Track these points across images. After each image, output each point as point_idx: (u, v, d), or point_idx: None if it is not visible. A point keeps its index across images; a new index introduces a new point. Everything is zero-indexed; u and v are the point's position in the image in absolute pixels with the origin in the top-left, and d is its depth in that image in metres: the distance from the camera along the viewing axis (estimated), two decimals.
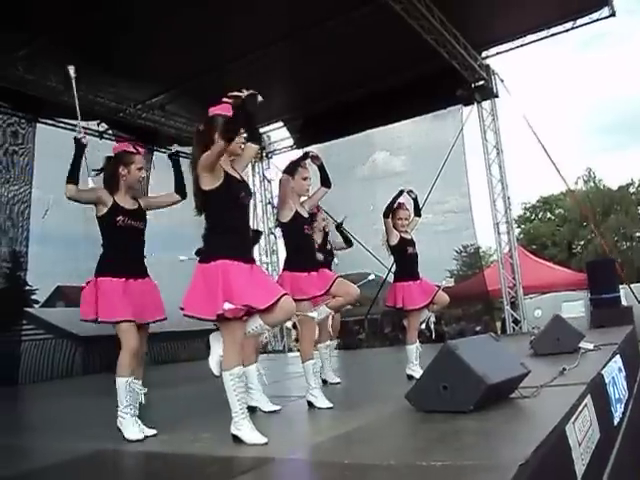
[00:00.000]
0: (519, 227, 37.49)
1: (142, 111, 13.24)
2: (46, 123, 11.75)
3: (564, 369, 5.10)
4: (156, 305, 4.55)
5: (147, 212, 4.73)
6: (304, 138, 15.51)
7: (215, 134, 3.75)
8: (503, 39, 12.66)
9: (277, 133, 16.69)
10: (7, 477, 3.50)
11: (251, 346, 5.29)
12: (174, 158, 4.93)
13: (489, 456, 2.81)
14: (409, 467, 2.77)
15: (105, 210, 4.43)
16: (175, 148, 5.09)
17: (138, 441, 4.10)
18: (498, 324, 14.59)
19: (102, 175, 4.58)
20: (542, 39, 12.58)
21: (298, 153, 15.23)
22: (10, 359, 10.59)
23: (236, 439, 3.60)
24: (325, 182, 5.50)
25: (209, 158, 3.65)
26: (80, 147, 4.42)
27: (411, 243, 6.64)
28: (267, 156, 16.74)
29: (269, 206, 16.47)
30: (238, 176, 3.88)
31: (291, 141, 16.32)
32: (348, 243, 7.80)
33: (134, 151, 4.60)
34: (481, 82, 12.82)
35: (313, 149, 14.76)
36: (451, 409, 3.79)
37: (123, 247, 4.43)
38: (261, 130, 16.22)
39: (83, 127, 4.67)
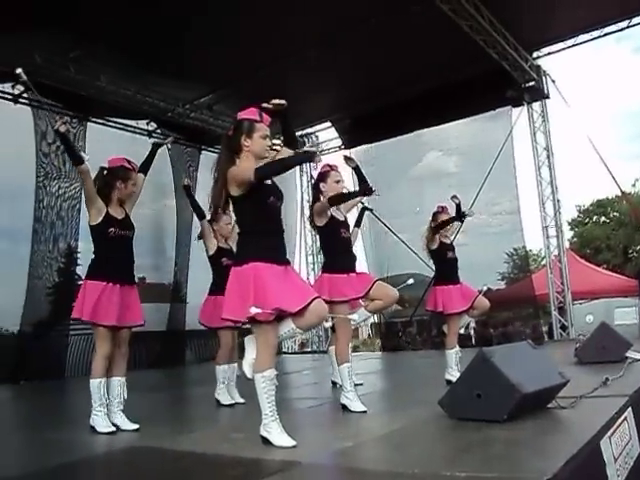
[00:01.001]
0: (572, 230, 36.72)
1: (190, 111, 13.38)
2: (96, 122, 11.98)
3: (607, 379, 4.97)
4: (137, 311, 4.85)
5: None
6: (353, 138, 15.48)
7: (242, 138, 3.79)
8: (555, 39, 12.39)
9: (325, 133, 16.69)
10: (48, 469, 3.56)
11: (234, 347, 6.08)
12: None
13: (515, 468, 2.74)
14: (433, 477, 2.72)
15: (99, 220, 4.68)
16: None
17: (110, 433, 4.47)
18: (545, 329, 14.31)
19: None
20: (595, 39, 12.28)
21: (346, 153, 15.36)
22: (58, 352, 10.83)
23: (265, 441, 3.59)
24: (362, 184, 5.46)
25: (239, 177, 3.67)
26: (60, 135, 4.63)
27: (451, 247, 6.56)
28: None
29: None
30: (269, 181, 3.86)
31: (339, 141, 16.26)
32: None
33: (130, 168, 4.88)
34: (531, 83, 12.59)
35: (362, 149, 14.97)
36: (484, 417, 3.71)
37: (113, 255, 4.69)
38: (309, 130, 16.27)
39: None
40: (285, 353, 14.94)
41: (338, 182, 5.23)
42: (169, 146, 5.70)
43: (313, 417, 5.12)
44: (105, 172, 4.88)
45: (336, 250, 5.20)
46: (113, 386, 4.69)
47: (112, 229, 4.68)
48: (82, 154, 4.69)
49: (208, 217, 6.20)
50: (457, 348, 6.35)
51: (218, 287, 6.05)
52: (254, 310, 3.46)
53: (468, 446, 3.24)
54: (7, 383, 9.74)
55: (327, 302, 4.55)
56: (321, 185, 5.22)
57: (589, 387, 4.65)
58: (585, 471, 2.80)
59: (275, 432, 3.59)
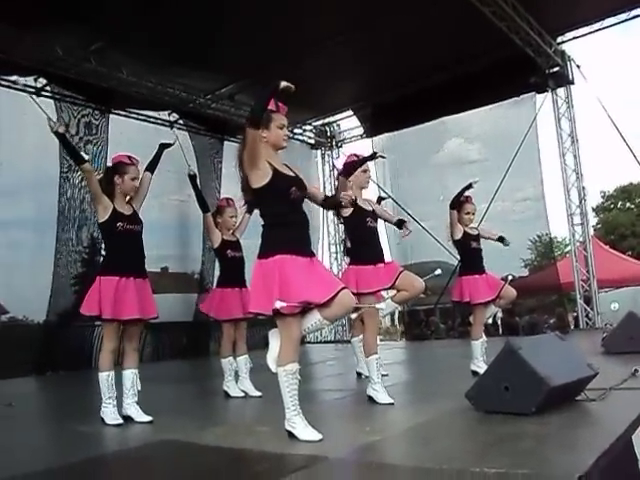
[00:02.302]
0: (597, 216, 36.32)
1: (212, 101, 13.35)
2: (118, 114, 12.02)
3: (636, 370, 4.91)
4: (151, 304, 4.93)
5: None
6: (374, 127, 15.38)
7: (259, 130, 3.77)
8: (580, 23, 12.11)
9: (347, 122, 16.57)
10: (75, 463, 3.58)
11: (242, 338, 6.07)
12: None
13: (546, 465, 2.70)
14: (462, 472, 2.68)
15: (106, 216, 4.79)
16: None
17: (118, 425, 4.60)
18: (572, 317, 14.17)
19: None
20: (622, 22, 12.02)
21: (367, 142, 15.30)
22: (84, 343, 10.89)
23: (291, 435, 3.59)
24: (399, 223, 5.53)
25: (247, 150, 3.67)
26: (59, 136, 4.75)
27: (475, 238, 6.48)
28: (337, 145, 16.64)
29: None
30: (290, 172, 3.85)
31: (361, 130, 16.15)
32: None
33: (129, 162, 4.95)
34: (556, 68, 12.39)
35: (384, 137, 14.89)
36: (512, 411, 3.68)
37: (123, 249, 4.80)
38: (331, 119, 16.22)
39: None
40: (308, 343, 14.93)
41: (365, 172, 5.22)
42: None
43: (338, 409, 5.10)
44: (108, 170, 5.04)
45: (362, 241, 5.18)
46: (127, 378, 4.81)
47: (120, 224, 4.78)
48: (83, 154, 4.87)
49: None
50: (483, 339, 6.30)
51: (225, 279, 6.11)
52: (279, 304, 3.45)
53: (496, 441, 3.20)
54: (33, 374, 9.84)
55: (354, 294, 4.57)
56: None
57: (618, 378, 4.61)
58: (617, 467, 2.76)
59: (299, 426, 3.58)
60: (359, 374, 6.85)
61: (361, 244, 5.18)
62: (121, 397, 4.81)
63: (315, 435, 3.53)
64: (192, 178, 6.49)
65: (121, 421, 4.64)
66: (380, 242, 5.30)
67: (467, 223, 6.47)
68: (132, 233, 4.87)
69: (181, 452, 3.71)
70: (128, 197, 5.00)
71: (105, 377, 4.68)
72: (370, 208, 5.25)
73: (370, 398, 4.89)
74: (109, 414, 4.66)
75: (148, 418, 4.67)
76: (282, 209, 3.71)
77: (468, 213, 6.47)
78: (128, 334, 4.90)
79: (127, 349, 4.90)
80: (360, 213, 5.13)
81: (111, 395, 4.70)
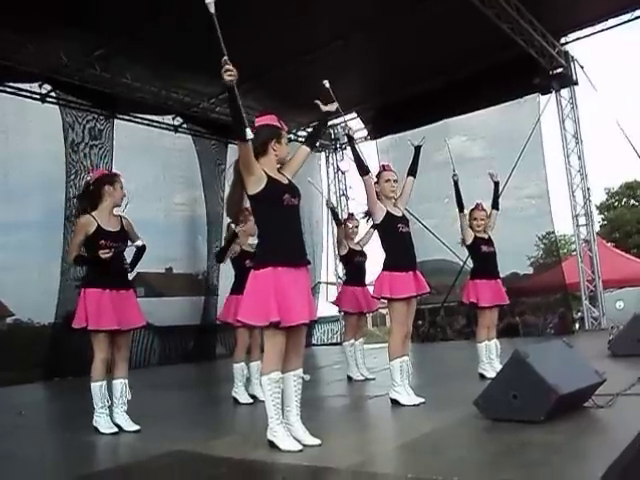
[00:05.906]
0: (601, 214, 36.17)
1: (215, 105, 13.33)
2: (123, 119, 12.06)
3: None
4: (135, 314, 4.98)
5: None
6: (378, 129, 15.37)
7: (271, 143, 3.86)
8: (583, 24, 12.13)
9: (350, 124, 16.49)
10: (85, 475, 3.61)
11: (257, 344, 6.00)
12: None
13: (557, 476, 2.71)
14: None
15: (90, 232, 4.81)
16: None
17: (113, 433, 4.67)
18: (576, 315, 14.09)
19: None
20: (626, 22, 12.00)
21: (371, 144, 15.26)
22: (91, 350, 10.89)
23: (272, 444, 3.59)
24: (412, 171, 5.54)
25: (242, 162, 3.70)
26: None
27: (486, 242, 6.51)
28: (341, 147, 16.63)
29: (343, 197, 16.44)
30: (284, 180, 3.88)
31: (365, 132, 16.13)
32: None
33: (115, 173, 5.11)
34: (559, 69, 12.37)
35: (388, 139, 14.82)
36: (521, 419, 3.70)
37: (104, 266, 4.77)
38: (335, 121, 16.15)
39: None
40: (314, 345, 14.92)
41: (388, 181, 5.25)
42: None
43: (347, 416, 5.11)
44: (90, 186, 5.02)
45: (395, 247, 5.21)
46: (116, 388, 4.87)
47: (103, 242, 4.79)
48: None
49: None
50: (487, 341, 6.34)
51: (240, 287, 6.08)
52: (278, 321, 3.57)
53: (506, 450, 3.22)
54: (41, 381, 9.89)
55: (388, 299, 4.98)
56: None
57: (625, 383, 4.61)
58: (629, 477, 2.75)
59: (280, 436, 3.60)
60: (349, 378, 7.14)
61: (394, 250, 5.22)
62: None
63: (295, 445, 3.55)
64: None
65: (115, 429, 4.72)
66: (413, 248, 5.31)
67: (476, 230, 6.51)
68: (112, 249, 4.83)
69: (190, 464, 3.69)
70: (116, 210, 5.02)
71: (97, 387, 4.75)
72: (400, 214, 5.28)
73: (393, 401, 4.95)
74: (103, 423, 4.75)
75: (136, 427, 4.75)
76: (275, 217, 3.72)
77: (476, 219, 6.53)
78: (117, 344, 4.92)
79: (117, 359, 4.94)
80: (391, 219, 5.18)
81: (104, 404, 4.77)
